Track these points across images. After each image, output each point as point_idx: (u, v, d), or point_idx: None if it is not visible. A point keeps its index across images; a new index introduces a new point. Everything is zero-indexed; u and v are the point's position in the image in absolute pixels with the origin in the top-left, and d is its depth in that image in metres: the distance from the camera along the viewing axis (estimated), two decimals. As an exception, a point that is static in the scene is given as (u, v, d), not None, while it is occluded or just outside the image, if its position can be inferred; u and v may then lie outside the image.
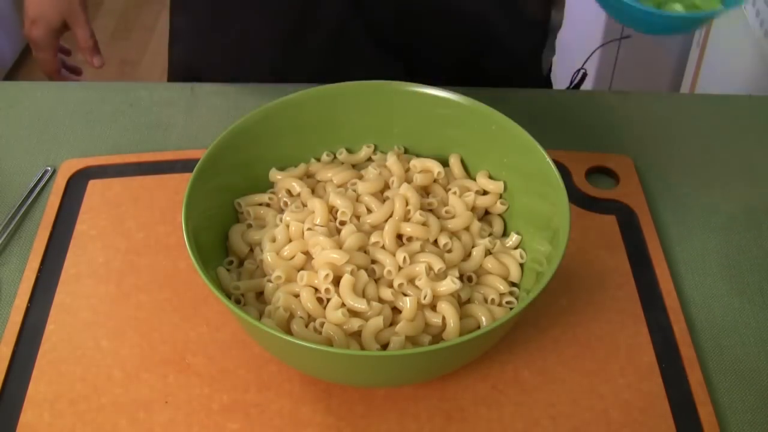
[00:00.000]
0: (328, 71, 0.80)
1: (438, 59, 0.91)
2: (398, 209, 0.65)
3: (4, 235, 0.73)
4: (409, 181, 0.68)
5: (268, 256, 0.63)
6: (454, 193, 0.68)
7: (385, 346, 0.58)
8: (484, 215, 0.69)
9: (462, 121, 0.69)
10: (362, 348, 0.58)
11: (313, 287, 0.60)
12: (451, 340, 0.54)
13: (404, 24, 0.89)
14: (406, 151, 0.72)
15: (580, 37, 1.68)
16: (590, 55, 1.45)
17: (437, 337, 0.60)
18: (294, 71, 0.89)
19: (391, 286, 0.61)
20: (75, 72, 0.97)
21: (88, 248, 0.72)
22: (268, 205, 0.68)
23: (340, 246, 0.62)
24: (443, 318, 0.59)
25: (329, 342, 0.58)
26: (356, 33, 0.89)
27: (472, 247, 0.65)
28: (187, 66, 0.97)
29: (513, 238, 0.67)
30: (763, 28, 1.25)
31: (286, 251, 0.63)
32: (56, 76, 0.94)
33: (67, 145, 0.82)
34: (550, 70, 1.03)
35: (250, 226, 0.67)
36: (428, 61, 0.90)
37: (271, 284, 0.61)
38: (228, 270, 0.63)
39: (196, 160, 0.63)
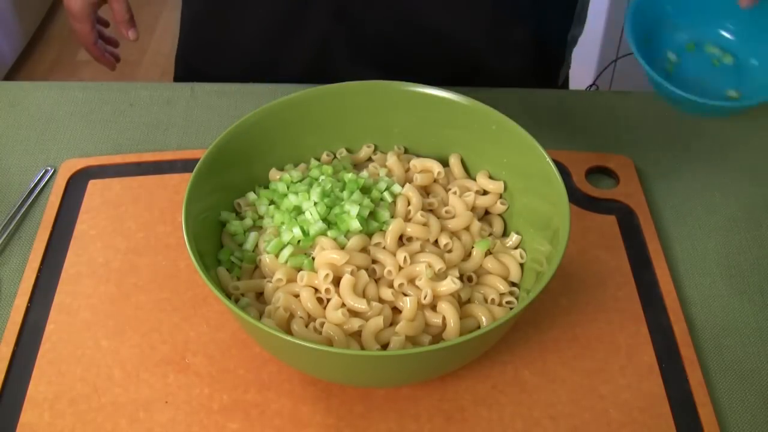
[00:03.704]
0: (310, 80, 0.81)
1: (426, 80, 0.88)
2: (400, 210, 0.65)
3: (4, 235, 0.73)
4: (409, 180, 0.68)
5: (266, 258, 0.63)
6: (454, 193, 0.68)
7: (385, 346, 0.58)
8: (484, 215, 0.69)
9: (462, 121, 0.69)
10: (362, 348, 0.58)
11: (313, 287, 0.60)
12: (451, 340, 0.54)
13: (389, 43, 0.89)
14: (406, 151, 0.72)
15: (589, 49, 1.68)
16: (603, 71, 1.44)
17: (437, 337, 0.60)
18: (280, 78, 0.89)
19: (391, 286, 0.61)
20: (112, 44, 0.96)
21: (88, 248, 0.72)
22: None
23: (341, 246, 0.62)
24: (443, 318, 0.59)
25: (329, 342, 0.58)
26: (339, 48, 0.89)
27: (472, 247, 0.65)
28: (187, 59, 0.99)
29: (513, 238, 0.67)
30: (763, 28, 1.25)
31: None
32: (93, 48, 0.92)
33: (67, 145, 0.82)
34: (565, 80, 1.03)
35: (250, 226, 0.67)
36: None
37: (270, 284, 0.61)
38: (228, 270, 0.63)
39: (196, 160, 0.63)
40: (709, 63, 0.78)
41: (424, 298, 0.59)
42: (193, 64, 0.98)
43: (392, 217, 0.64)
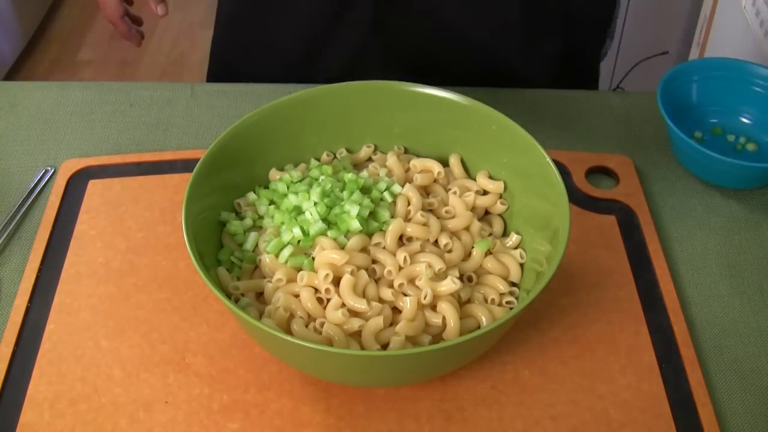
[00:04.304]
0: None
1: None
2: (400, 210, 0.65)
3: (4, 235, 0.73)
4: (409, 180, 0.68)
5: (266, 258, 0.63)
6: (454, 193, 0.68)
7: (385, 346, 0.58)
8: (484, 215, 0.69)
9: (462, 121, 0.69)
10: (362, 348, 0.58)
11: (313, 287, 0.60)
12: (451, 340, 0.54)
13: (423, 52, 0.90)
14: (406, 151, 0.72)
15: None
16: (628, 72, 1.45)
17: (437, 337, 0.60)
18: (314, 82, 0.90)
19: (391, 286, 0.61)
20: (136, 22, 0.94)
21: (88, 248, 0.72)
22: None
23: (341, 246, 0.62)
24: (443, 318, 0.59)
25: (329, 342, 0.58)
26: (374, 56, 0.90)
27: (472, 247, 0.65)
28: (221, 57, 0.99)
29: (513, 238, 0.67)
30: (763, 28, 1.25)
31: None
32: (119, 23, 0.91)
33: (67, 145, 0.82)
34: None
35: (250, 226, 0.67)
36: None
37: (270, 284, 0.61)
38: (228, 270, 0.63)
39: (196, 160, 0.63)
40: (731, 147, 0.81)
41: (424, 298, 0.59)
42: (228, 62, 0.98)
43: (392, 217, 0.64)
